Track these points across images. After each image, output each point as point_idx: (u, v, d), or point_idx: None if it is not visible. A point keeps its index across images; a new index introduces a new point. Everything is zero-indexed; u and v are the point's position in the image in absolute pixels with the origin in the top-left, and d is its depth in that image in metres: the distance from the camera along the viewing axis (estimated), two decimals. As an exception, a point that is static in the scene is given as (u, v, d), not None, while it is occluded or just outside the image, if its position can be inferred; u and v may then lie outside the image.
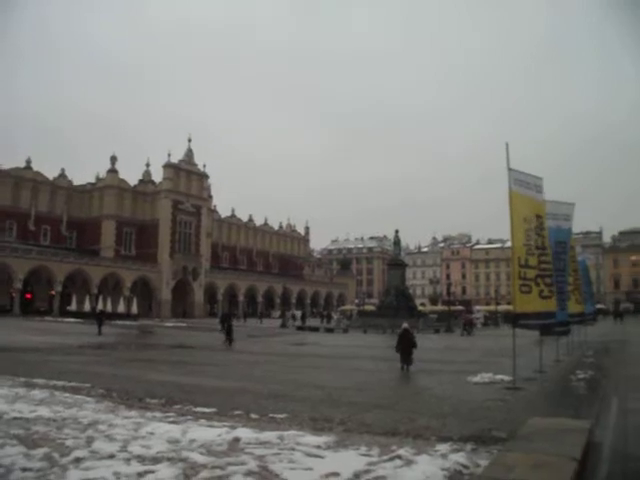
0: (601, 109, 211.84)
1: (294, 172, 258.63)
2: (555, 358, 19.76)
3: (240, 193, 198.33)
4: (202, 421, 9.63)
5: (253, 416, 10.25)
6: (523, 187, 15.07)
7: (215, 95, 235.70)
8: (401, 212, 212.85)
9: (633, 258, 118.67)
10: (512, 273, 14.97)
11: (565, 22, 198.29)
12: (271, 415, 10.29)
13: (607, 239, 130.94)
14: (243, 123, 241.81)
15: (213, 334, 31.02)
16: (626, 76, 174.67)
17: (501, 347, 23.50)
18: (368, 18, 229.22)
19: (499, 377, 15.29)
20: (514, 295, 14.73)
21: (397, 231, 61.28)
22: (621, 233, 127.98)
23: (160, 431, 8.56)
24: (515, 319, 14.90)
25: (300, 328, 51.21)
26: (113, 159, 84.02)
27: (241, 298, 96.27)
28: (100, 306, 58.51)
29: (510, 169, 14.55)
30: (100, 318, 38.75)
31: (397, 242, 62.04)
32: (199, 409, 10.83)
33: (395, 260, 61.15)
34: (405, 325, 19.32)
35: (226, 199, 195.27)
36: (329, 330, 50.09)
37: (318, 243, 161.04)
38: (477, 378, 15.42)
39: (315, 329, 50.48)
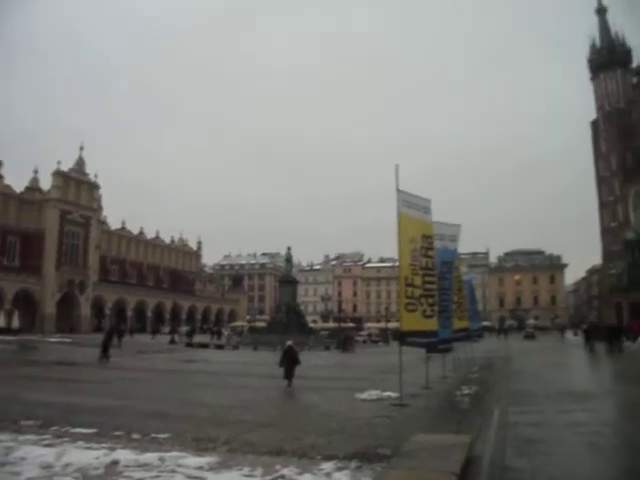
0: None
1: (190, 188, 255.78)
2: (442, 374, 20.25)
3: (132, 206, 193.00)
4: (80, 443, 9.18)
5: (135, 436, 9.87)
6: (412, 208, 15.42)
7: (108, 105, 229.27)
8: (296, 230, 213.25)
9: (516, 277, 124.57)
10: (399, 292, 15.29)
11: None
12: (153, 435, 9.94)
13: (494, 259, 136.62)
14: (143, 137, 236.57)
15: (99, 350, 29.91)
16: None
17: (390, 364, 23.77)
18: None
19: (387, 394, 15.45)
20: (401, 313, 15.06)
21: (289, 248, 61.51)
22: (506, 254, 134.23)
23: (32, 455, 8.10)
24: (402, 337, 15.21)
25: (189, 345, 50.28)
26: (-2, 163, 79.32)
27: (130, 313, 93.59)
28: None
29: (399, 190, 14.84)
30: (-25, 333, 36.73)
31: (289, 259, 62.08)
32: (78, 430, 10.31)
33: (287, 277, 61.15)
34: (289, 342, 19.72)
35: (117, 211, 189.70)
36: (219, 347, 49.50)
37: (210, 258, 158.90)
38: (365, 395, 15.52)
39: (205, 345, 49.74)
